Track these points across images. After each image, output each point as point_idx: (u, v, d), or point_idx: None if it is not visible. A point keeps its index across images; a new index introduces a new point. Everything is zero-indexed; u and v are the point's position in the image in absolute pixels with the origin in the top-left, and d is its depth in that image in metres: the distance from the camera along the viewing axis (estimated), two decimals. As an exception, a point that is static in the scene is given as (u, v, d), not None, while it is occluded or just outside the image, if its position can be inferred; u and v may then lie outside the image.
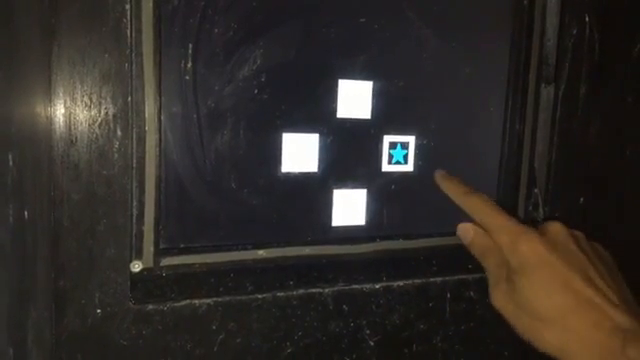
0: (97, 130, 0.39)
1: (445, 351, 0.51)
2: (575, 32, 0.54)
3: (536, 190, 0.56)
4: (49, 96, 0.38)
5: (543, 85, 0.55)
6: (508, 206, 0.56)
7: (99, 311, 0.41)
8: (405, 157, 0.52)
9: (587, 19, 0.54)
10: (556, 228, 0.40)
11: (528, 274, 0.37)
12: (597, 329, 0.34)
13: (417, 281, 0.49)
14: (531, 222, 0.44)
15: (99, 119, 0.39)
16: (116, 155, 0.40)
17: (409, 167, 0.52)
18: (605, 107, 0.56)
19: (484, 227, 0.42)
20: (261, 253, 0.48)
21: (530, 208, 0.56)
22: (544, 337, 0.36)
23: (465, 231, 0.45)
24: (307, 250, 0.49)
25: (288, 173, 0.48)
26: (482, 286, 0.40)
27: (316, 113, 0.48)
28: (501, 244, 0.39)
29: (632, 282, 0.59)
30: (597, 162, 0.57)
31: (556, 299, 0.36)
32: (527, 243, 0.38)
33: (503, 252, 0.39)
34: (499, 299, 0.39)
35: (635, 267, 0.60)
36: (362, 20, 0.49)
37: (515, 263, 0.38)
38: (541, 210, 0.56)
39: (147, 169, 0.43)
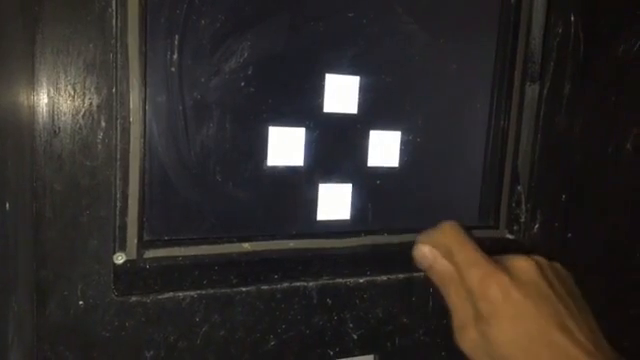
0: (81, 121, 0.39)
1: (428, 345, 0.52)
2: (560, 31, 0.55)
3: (519, 187, 0.56)
4: (32, 85, 0.37)
5: (528, 83, 0.55)
6: (491, 203, 0.57)
7: (82, 303, 0.40)
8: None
9: (572, 19, 0.55)
10: (524, 266, 0.37)
11: (501, 325, 0.35)
12: None
13: (401, 276, 0.50)
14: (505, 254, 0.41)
15: (83, 109, 0.39)
16: (100, 146, 0.40)
17: (394, 163, 0.52)
18: (589, 106, 0.57)
19: (451, 256, 0.39)
20: (246, 246, 0.48)
21: (513, 205, 0.57)
22: None
23: (422, 255, 0.40)
24: (292, 244, 0.49)
25: (274, 167, 0.48)
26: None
27: (302, 107, 0.48)
28: (468, 280, 0.37)
29: (613, 280, 0.60)
30: (580, 160, 0.58)
31: (532, 355, 0.34)
32: (498, 287, 0.35)
33: (468, 286, 0.37)
34: (468, 345, 0.37)
35: (616, 265, 0.61)
36: (350, 15, 0.49)
37: (485, 310, 0.36)
38: (524, 207, 0.56)
39: (131, 160, 0.42)
